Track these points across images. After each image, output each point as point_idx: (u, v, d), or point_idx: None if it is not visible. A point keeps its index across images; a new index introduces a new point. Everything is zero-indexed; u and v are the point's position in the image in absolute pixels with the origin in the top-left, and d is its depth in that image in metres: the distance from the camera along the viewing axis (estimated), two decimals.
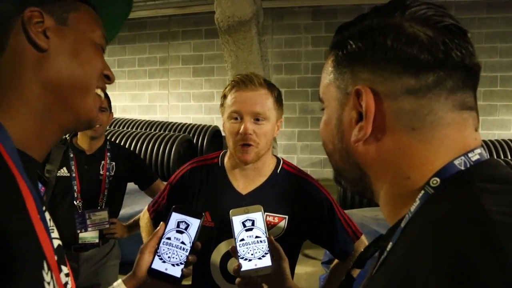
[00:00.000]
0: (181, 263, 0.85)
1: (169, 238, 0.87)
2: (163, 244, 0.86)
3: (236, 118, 1.19)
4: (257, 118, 1.18)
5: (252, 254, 0.92)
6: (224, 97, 1.24)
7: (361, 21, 0.51)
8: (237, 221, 0.95)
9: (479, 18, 5.67)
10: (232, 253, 0.94)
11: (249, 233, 0.94)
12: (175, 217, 0.89)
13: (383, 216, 0.53)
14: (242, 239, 0.93)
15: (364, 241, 1.30)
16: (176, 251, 0.86)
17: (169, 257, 0.85)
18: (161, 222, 0.90)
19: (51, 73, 0.54)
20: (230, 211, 0.96)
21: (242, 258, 0.92)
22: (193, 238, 0.87)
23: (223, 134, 6.21)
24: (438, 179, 0.45)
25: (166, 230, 0.88)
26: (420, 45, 0.45)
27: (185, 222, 0.88)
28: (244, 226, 0.95)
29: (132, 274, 0.85)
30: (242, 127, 1.16)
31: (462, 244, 0.36)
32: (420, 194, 0.46)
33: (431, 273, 0.36)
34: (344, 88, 0.51)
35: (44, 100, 0.54)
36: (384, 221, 0.53)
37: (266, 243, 0.93)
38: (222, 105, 1.25)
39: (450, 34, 0.46)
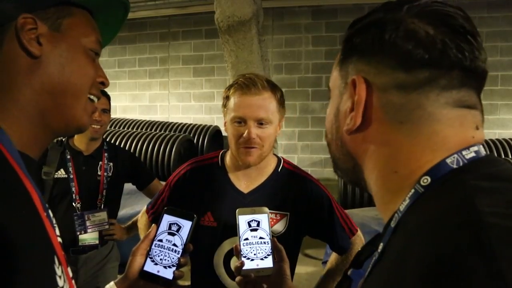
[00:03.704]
0: (173, 265, 0.85)
1: (160, 240, 0.87)
2: (155, 246, 0.87)
3: (240, 122, 1.19)
4: (260, 123, 1.18)
5: (254, 254, 0.93)
6: (227, 98, 1.23)
7: (369, 16, 0.52)
8: (243, 220, 0.96)
9: (479, 17, 5.66)
10: (235, 251, 0.95)
11: (254, 233, 0.95)
12: (166, 219, 0.89)
13: None
14: (246, 239, 0.94)
15: (360, 235, 1.34)
16: (168, 253, 0.86)
17: (161, 259, 0.86)
18: (153, 224, 0.90)
19: (43, 78, 0.55)
20: (237, 210, 0.97)
21: (245, 257, 0.93)
22: (185, 240, 0.87)
23: (223, 134, 6.22)
24: (429, 178, 0.44)
25: (158, 232, 0.88)
26: (417, 42, 0.45)
27: (177, 224, 0.88)
28: (249, 226, 0.95)
29: (124, 277, 0.85)
30: (246, 131, 1.17)
31: (452, 249, 0.34)
32: (410, 193, 0.45)
33: (420, 281, 0.34)
34: (344, 78, 0.53)
35: (36, 105, 0.55)
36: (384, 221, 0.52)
37: (270, 244, 0.94)
38: (224, 106, 1.25)
39: (453, 34, 0.45)
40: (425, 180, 0.44)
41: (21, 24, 0.53)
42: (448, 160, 0.44)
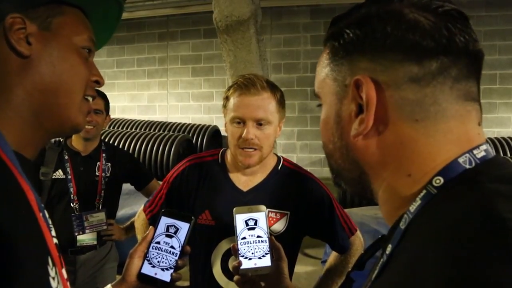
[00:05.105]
0: (170, 268, 0.85)
1: (158, 243, 0.87)
2: (152, 248, 0.86)
3: (239, 123, 1.18)
4: (259, 123, 1.17)
5: (252, 253, 0.92)
6: (227, 99, 1.23)
7: (358, 10, 0.48)
8: (240, 219, 0.95)
9: (477, 16, 5.67)
10: (233, 250, 0.95)
11: (251, 232, 0.94)
12: (164, 221, 0.89)
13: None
14: (244, 238, 0.93)
15: (359, 235, 1.34)
16: (166, 255, 0.86)
17: (158, 261, 0.85)
18: (150, 226, 0.90)
19: (35, 78, 0.54)
20: (234, 209, 0.96)
21: (243, 256, 0.92)
22: (182, 242, 0.87)
23: (222, 134, 6.22)
24: (441, 179, 0.42)
25: (155, 234, 0.88)
26: (422, 31, 0.43)
27: (175, 226, 0.88)
28: (247, 224, 0.95)
29: (121, 279, 0.85)
30: (245, 132, 1.16)
31: (479, 258, 0.33)
32: (422, 194, 0.42)
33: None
34: (341, 81, 0.48)
35: (30, 105, 0.54)
36: (384, 220, 0.51)
37: (267, 243, 0.93)
38: (224, 106, 1.25)
39: (452, 19, 0.44)
40: (438, 181, 0.42)
41: (9, 24, 0.52)
42: (461, 160, 0.42)
